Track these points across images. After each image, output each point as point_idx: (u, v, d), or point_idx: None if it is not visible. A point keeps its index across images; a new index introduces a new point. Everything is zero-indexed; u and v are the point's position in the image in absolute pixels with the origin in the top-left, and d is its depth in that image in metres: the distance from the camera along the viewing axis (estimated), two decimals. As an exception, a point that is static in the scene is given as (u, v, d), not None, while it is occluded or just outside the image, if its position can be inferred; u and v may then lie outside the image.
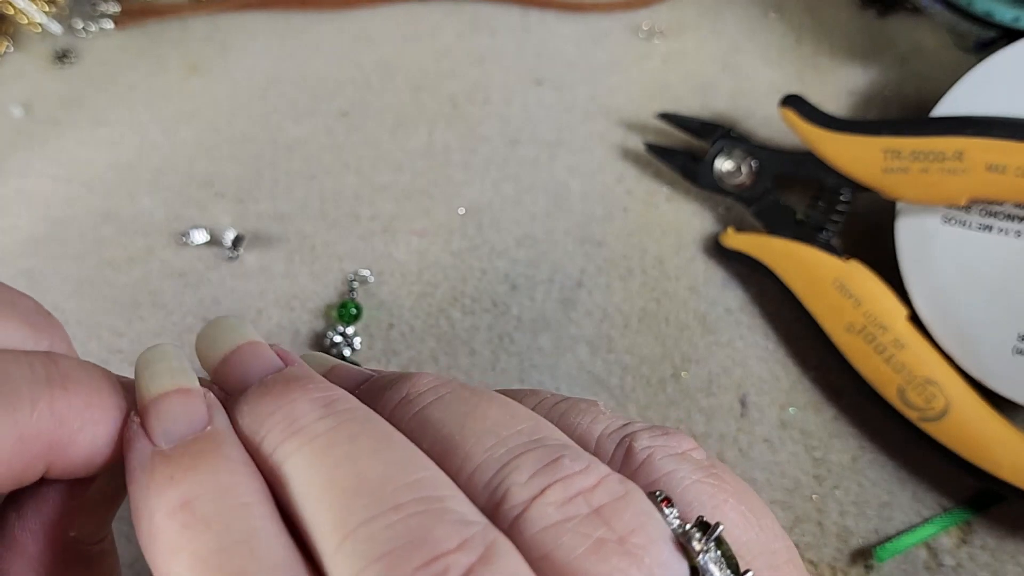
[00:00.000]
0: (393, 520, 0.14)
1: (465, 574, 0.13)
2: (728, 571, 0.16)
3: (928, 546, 0.32)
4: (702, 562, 0.15)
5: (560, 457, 0.16)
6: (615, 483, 0.16)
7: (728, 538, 0.16)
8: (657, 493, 0.16)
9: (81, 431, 0.16)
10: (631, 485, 0.16)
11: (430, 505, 0.15)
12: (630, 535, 0.15)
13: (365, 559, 0.14)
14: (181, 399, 0.17)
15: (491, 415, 0.17)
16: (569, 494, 0.15)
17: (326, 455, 0.15)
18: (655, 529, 0.15)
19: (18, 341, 0.18)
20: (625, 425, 0.19)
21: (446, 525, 0.14)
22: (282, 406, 0.17)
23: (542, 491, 0.15)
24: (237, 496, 0.15)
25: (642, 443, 0.18)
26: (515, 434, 0.17)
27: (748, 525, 0.17)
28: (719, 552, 0.16)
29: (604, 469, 0.16)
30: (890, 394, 0.32)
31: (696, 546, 0.15)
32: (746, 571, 0.16)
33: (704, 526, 0.16)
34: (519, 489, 0.15)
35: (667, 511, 0.16)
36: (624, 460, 0.18)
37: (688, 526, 0.16)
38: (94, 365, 0.18)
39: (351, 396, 0.17)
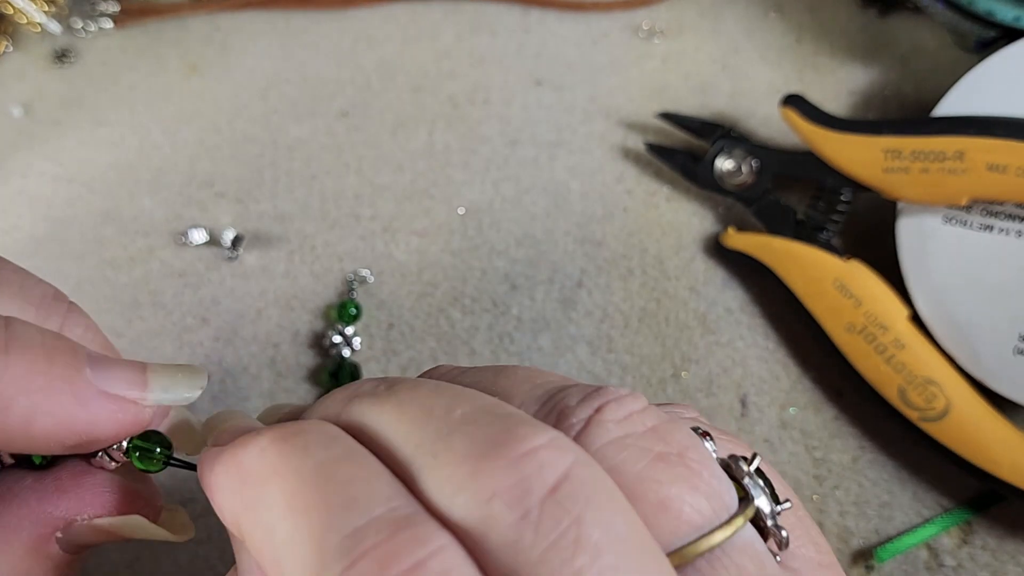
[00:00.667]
0: (471, 430, 0.14)
1: (565, 473, 0.14)
2: (772, 498, 0.16)
3: (929, 546, 0.32)
4: (748, 484, 0.16)
5: (602, 387, 0.16)
6: (658, 410, 0.16)
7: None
8: (696, 428, 0.17)
9: (17, 398, 0.16)
10: (672, 414, 0.17)
11: (506, 416, 0.15)
12: (686, 451, 0.16)
13: (451, 467, 0.14)
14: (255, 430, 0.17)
15: (519, 372, 0.18)
16: (624, 413, 0.16)
17: (391, 399, 0.16)
18: (705, 450, 0.16)
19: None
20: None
21: (529, 426, 0.14)
22: (338, 393, 0.17)
23: (598, 410, 0.16)
24: (325, 430, 0.15)
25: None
26: (548, 381, 0.17)
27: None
28: (761, 481, 0.16)
29: (644, 399, 0.17)
30: (890, 394, 0.32)
31: (744, 467, 0.16)
32: (785, 500, 0.17)
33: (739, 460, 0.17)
34: (574, 409, 0.16)
35: (707, 443, 0.17)
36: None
37: (727, 456, 0.17)
38: (61, 337, 0.17)
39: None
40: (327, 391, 0.35)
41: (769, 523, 0.16)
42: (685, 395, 0.34)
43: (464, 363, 0.35)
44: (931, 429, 0.31)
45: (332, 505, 0.14)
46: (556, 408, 0.16)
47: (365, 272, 0.36)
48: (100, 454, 0.18)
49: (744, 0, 0.39)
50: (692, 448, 0.16)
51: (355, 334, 0.35)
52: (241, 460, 0.15)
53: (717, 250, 0.36)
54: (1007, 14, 0.32)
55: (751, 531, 0.16)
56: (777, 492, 0.17)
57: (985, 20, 0.33)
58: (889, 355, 0.32)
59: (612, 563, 0.13)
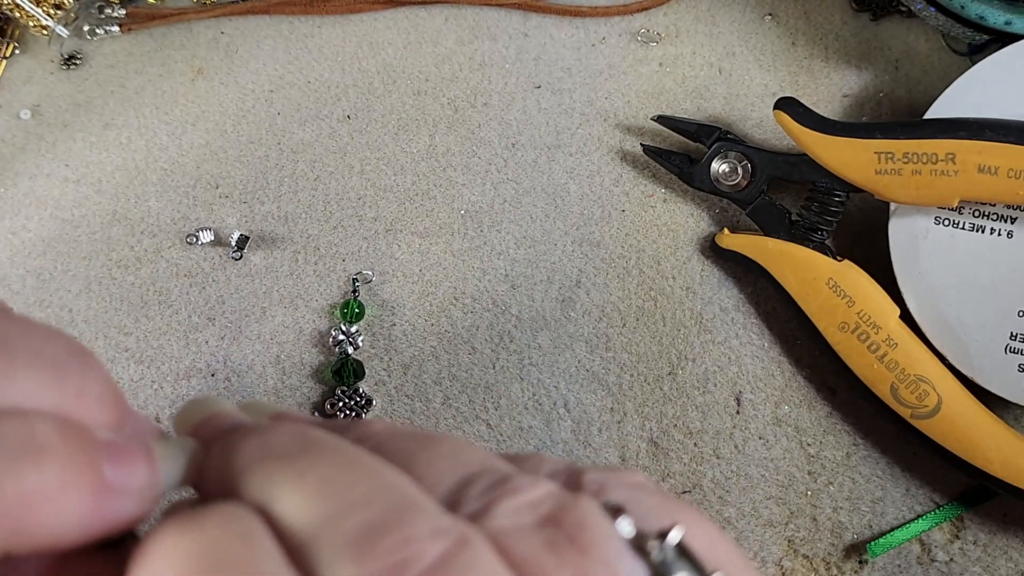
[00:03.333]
0: (364, 513, 0.15)
1: (439, 559, 0.14)
2: (697, 573, 0.15)
3: (921, 541, 0.33)
4: (659, 560, 0.15)
5: (508, 476, 0.16)
6: (562, 495, 0.16)
7: None
8: (607, 503, 0.16)
9: (51, 514, 0.15)
10: (580, 496, 0.16)
11: (400, 500, 0.15)
12: (579, 533, 0.15)
13: (335, 547, 0.14)
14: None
15: (444, 447, 0.17)
16: (517, 504, 0.16)
17: (295, 467, 0.16)
18: (605, 528, 0.15)
19: (39, 394, 0.16)
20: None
21: (417, 515, 0.15)
22: (254, 437, 0.17)
23: (491, 502, 0.16)
24: (228, 511, 0.15)
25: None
26: (468, 461, 0.17)
27: None
28: (678, 553, 0.15)
29: (552, 485, 0.16)
30: (883, 391, 0.32)
31: (652, 543, 0.15)
32: (714, 571, 0.16)
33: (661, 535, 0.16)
34: (473, 497, 0.16)
35: (620, 520, 0.16)
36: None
37: (644, 531, 0.16)
38: (79, 432, 0.16)
39: (323, 428, 0.17)
40: (331, 388, 0.36)
41: None
42: (681, 392, 0.35)
43: (464, 361, 0.36)
44: (923, 426, 0.32)
45: None
46: (458, 493, 0.16)
47: (368, 272, 0.37)
48: None
49: (740, 5, 0.39)
50: (587, 528, 0.15)
51: (358, 332, 0.36)
52: (148, 543, 0.15)
53: (713, 250, 0.36)
54: (998, 18, 0.33)
55: None
56: (704, 565, 0.15)
57: (976, 24, 0.33)
58: (882, 353, 0.32)
59: None
